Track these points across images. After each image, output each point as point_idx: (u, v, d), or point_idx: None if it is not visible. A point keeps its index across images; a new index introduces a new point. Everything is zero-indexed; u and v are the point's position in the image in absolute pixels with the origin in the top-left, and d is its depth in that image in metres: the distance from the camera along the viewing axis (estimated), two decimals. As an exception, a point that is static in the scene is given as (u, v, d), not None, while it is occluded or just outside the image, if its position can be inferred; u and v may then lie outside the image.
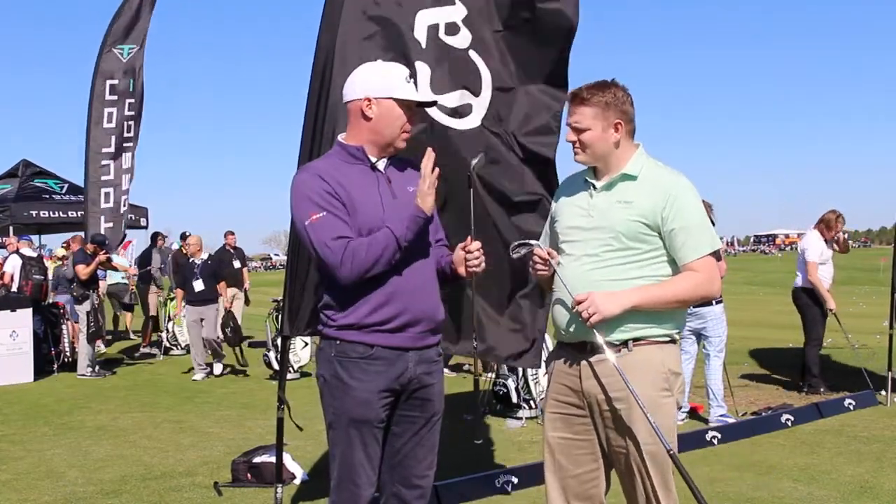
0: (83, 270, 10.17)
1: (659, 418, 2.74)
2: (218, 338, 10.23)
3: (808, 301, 8.26)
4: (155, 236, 14.04)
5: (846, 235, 8.68)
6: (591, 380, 2.82)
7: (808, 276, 8.16)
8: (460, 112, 4.01)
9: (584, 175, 2.94)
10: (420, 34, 3.94)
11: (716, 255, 7.45)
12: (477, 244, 2.85)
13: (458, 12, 4.01)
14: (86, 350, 10.23)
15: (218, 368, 10.31)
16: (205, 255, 10.51)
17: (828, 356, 10.30)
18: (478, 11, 4.05)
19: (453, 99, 3.99)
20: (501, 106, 4.10)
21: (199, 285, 10.15)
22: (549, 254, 2.88)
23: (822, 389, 8.07)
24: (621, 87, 2.84)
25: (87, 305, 10.15)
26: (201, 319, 10.15)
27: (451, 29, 4.00)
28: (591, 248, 2.81)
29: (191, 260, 10.35)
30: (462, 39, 4.02)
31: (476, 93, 4.05)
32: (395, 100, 2.78)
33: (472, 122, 4.05)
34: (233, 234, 14.58)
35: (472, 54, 4.04)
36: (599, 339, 2.72)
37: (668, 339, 2.84)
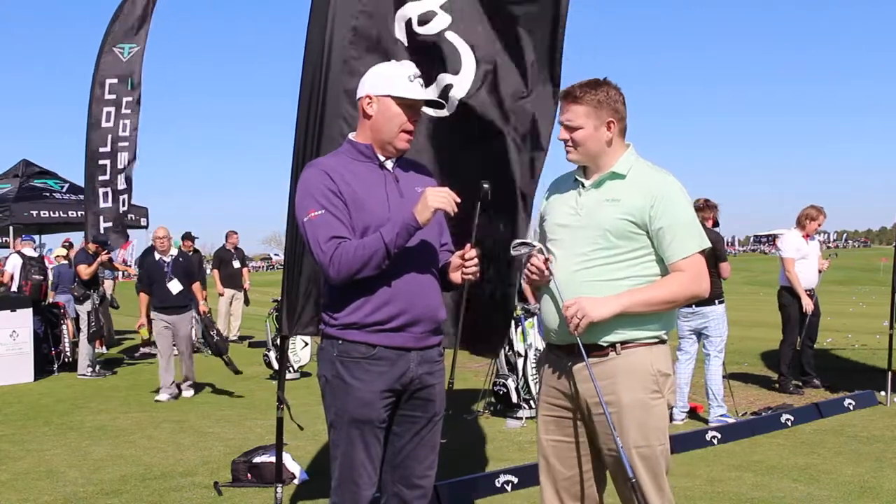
0: (85, 271, 10.17)
1: (650, 420, 2.74)
2: (197, 348, 8.85)
3: (788, 301, 8.29)
4: None
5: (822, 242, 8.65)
6: (580, 383, 2.81)
7: (785, 272, 8.17)
8: (441, 98, 3.93)
9: (574, 174, 2.94)
10: (400, 33, 3.93)
11: (721, 256, 7.47)
12: (475, 251, 2.81)
13: (434, 1, 3.95)
14: (86, 350, 10.23)
15: (189, 392, 8.83)
16: (174, 252, 9.05)
17: (828, 356, 10.32)
18: None
19: (434, 90, 3.94)
20: (490, 74, 4.01)
21: (175, 286, 8.67)
22: (545, 262, 2.86)
23: (790, 388, 8.12)
24: (613, 85, 2.83)
25: (87, 305, 10.15)
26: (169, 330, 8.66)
27: (425, 18, 3.94)
28: (580, 247, 2.81)
29: (158, 258, 8.77)
30: (437, 24, 3.95)
31: (455, 71, 3.98)
32: (394, 98, 2.78)
33: (452, 100, 3.96)
34: (235, 234, 14.60)
35: (449, 34, 3.97)
36: (581, 346, 2.70)
37: (656, 340, 2.83)
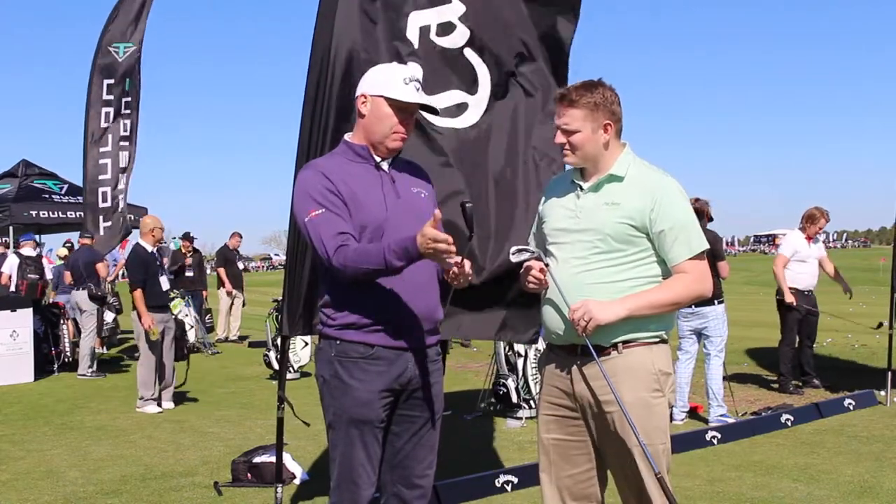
0: (105, 270, 10.29)
1: (651, 419, 2.75)
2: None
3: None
4: None
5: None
6: (582, 383, 2.82)
7: (773, 266, 8.22)
8: (454, 112, 4.00)
9: (571, 176, 2.93)
10: (412, 34, 3.94)
11: (719, 256, 7.46)
12: (468, 264, 2.67)
13: (453, 10, 3.99)
14: (88, 350, 10.25)
15: (170, 404, 7.96)
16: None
17: (827, 356, 10.32)
18: (478, 5, 4.04)
19: (446, 99, 3.98)
20: (499, 104, 4.10)
21: (165, 282, 7.90)
22: (541, 270, 2.85)
23: (790, 388, 8.13)
24: (608, 86, 2.82)
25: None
26: (162, 331, 7.84)
27: (445, 29, 3.98)
28: (579, 251, 2.81)
29: (152, 251, 7.89)
30: (457, 38, 4.00)
31: (472, 91, 4.04)
32: (387, 99, 2.77)
33: (468, 120, 4.03)
34: (240, 237, 14.72)
35: (468, 52, 4.02)
36: (590, 345, 2.71)
37: (657, 339, 2.84)
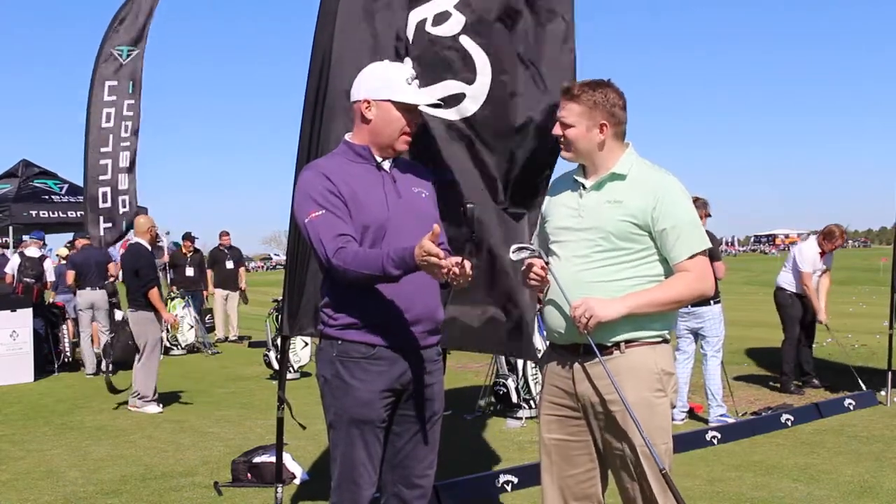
0: (115, 269, 10.40)
1: (654, 419, 2.75)
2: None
3: (786, 300, 8.38)
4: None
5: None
6: (584, 382, 2.82)
7: (801, 285, 8.25)
8: (446, 102, 3.88)
9: (574, 174, 2.94)
10: (410, 30, 3.90)
11: (715, 256, 7.50)
12: (468, 265, 2.62)
13: (449, 1, 3.93)
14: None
15: (155, 408, 7.83)
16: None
17: (827, 356, 10.32)
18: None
19: (437, 91, 3.90)
20: (503, 88, 3.99)
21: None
22: (542, 268, 2.85)
23: (791, 388, 8.15)
24: (615, 88, 2.82)
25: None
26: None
27: (440, 19, 3.92)
28: (581, 249, 2.81)
29: (151, 250, 8.05)
30: (452, 26, 3.92)
31: (469, 80, 3.96)
32: (394, 102, 2.77)
33: (464, 111, 3.96)
34: (227, 234, 14.66)
35: (464, 39, 3.94)
36: (592, 343, 2.71)
37: (660, 339, 2.84)
